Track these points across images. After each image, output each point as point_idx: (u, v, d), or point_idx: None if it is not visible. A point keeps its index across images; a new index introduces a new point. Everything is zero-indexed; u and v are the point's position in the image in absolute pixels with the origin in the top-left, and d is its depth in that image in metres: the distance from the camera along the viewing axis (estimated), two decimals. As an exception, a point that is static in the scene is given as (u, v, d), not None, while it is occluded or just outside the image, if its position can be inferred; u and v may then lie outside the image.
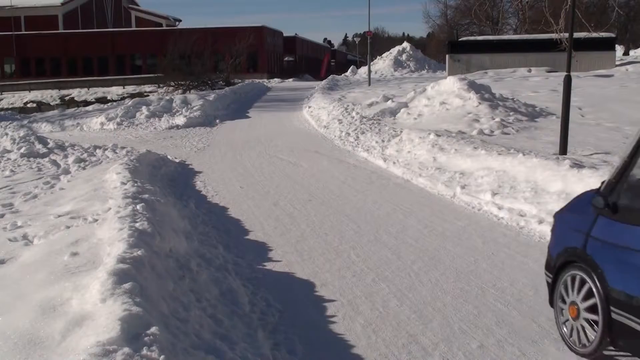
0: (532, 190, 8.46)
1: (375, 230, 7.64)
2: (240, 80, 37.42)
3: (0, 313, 4.23)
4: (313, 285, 5.79)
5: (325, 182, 10.92)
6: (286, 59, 61.20)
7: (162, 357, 3.43)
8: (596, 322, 3.97)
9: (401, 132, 14.39)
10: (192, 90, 33.30)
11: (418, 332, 4.69)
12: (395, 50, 53.64)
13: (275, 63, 55.86)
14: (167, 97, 26.85)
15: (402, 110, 18.51)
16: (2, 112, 32.74)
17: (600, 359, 4.09)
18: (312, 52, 70.16)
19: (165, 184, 10.99)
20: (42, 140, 15.73)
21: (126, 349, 3.37)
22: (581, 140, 12.32)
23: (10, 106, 36.73)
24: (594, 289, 4.00)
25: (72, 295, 4.31)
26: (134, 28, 62.12)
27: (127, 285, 4.21)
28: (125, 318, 3.68)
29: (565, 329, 4.34)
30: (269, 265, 6.41)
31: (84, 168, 12.40)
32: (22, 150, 14.37)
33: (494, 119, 15.16)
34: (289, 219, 8.33)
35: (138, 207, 6.89)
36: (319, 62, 65.06)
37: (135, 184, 8.65)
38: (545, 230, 7.20)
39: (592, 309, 4.02)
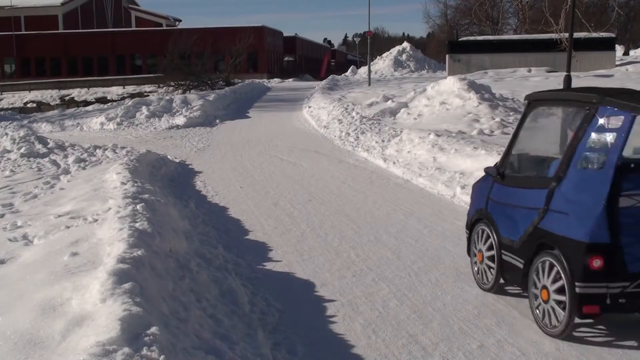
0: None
1: (375, 230, 7.64)
2: (240, 80, 37.42)
3: (0, 313, 4.23)
4: (313, 285, 5.79)
5: (325, 182, 10.92)
6: (286, 59, 61.21)
7: (162, 357, 3.42)
8: (494, 264, 5.39)
9: (401, 132, 14.39)
10: (192, 90, 33.30)
11: (418, 332, 4.69)
12: (395, 50, 53.65)
13: (275, 63, 55.87)
14: (167, 97, 26.85)
15: (402, 110, 18.52)
16: (2, 112, 32.74)
17: (496, 292, 5.43)
18: (312, 52, 70.17)
19: (165, 184, 11.00)
20: (42, 140, 15.72)
21: (126, 349, 3.37)
22: (581, 140, 12.32)
23: (10, 106, 36.72)
24: (492, 238, 5.42)
25: (72, 295, 4.31)
26: (134, 28, 62.13)
27: (127, 285, 4.21)
28: (125, 318, 3.68)
29: (476, 271, 5.74)
30: (269, 265, 6.41)
31: (84, 168, 12.39)
32: (22, 150, 14.36)
33: (494, 119, 15.17)
34: (289, 219, 8.33)
35: (138, 207, 6.89)
36: (319, 62, 65.05)
37: (135, 184, 8.65)
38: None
39: (491, 255, 5.42)
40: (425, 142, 12.57)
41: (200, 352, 3.94)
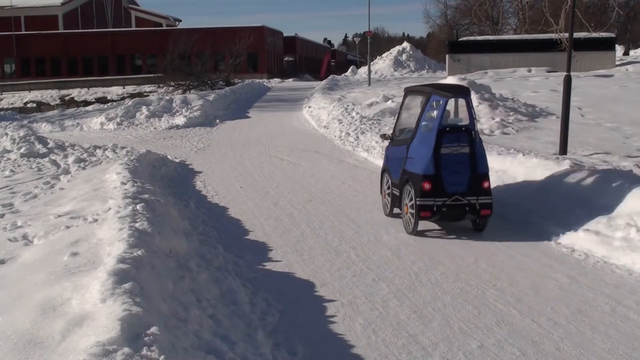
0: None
1: (375, 230, 7.64)
2: (240, 80, 37.40)
3: (0, 313, 4.23)
4: (313, 285, 5.79)
5: (325, 182, 10.92)
6: (286, 59, 61.19)
7: (162, 357, 3.42)
8: (395, 200, 7.98)
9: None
10: (192, 90, 33.28)
11: (418, 332, 4.69)
12: (395, 50, 53.61)
13: (275, 63, 55.86)
14: (167, 97, 26.82)
15: (402, 110, 18.49)
16: (2, 112, 32.71)
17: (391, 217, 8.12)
18: (312, 52, 70.17)
19: (165, 184, 10.99)
20: (42, 140, 15.72)
21: (126, 349, 3.37)
22: (581, 140, 12.32)
23: (10, 106, 36.69)
24: (389, 181, 8.22)
25: (72, 295, 4.31)
26: (134, 28, 62.12)
27: (127, 285, 4.21)
28: (125, 318, 3.68)
29: (384, 203, 8.47)
30: (269, 265, 6.41)
31: (84, 168, 12.39)
32: (22, 150, 14.36)
33: (494, 119, 15.16)
34: (289, 219, 8.33)
35: (138, 207, 6.89)
36: (319, 62, 65.04)
37: (135, 184, 8.65)
38: (545, 230, 7.20)
39: (389, 192, 8.19)
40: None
41: (200, 352, 3.94)
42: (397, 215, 8.34)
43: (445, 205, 7.09)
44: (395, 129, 8.54)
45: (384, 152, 8.89)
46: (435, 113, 7.38)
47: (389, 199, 8.20)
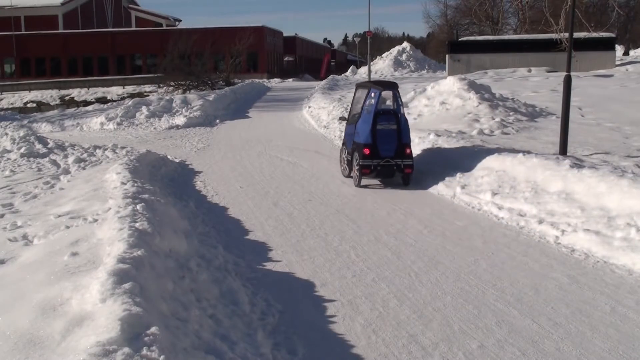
0: (532, 190, 8.45)
1: (375, 230, 7.64)
2: (240, 80, 37.40)
3: (0, 313, 4.23)
4: (313, 285, 5.79)
5: (325, 182, 10.92)
6: (286, 59, 61.19)
7: (162, 357, 3.42)
8: (348, 164, 10.84)
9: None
10: (192, 90, 33.28)
11: (418, 332, 4.69)
12: (395, 50, 53.61)
13: (275, 63, 55.86)
14: (167, 97, 26.82)
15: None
16: (2, 112, 32.70)
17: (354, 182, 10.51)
18: (312, 52, 70.17)
19: (165, 184, 10.99)
20: (42, 140, 15.72)
21: (126, 349, 3.37)
22: (581, 140, 12.32)
23: (10, 106, 36.68)
24: (346, 150, 11.11)
25: (72, 295, 4.31)
26: (134, 28, 62.13)
27: (127, 285, 4.21)
28: (125, 318, 3.68)
29: (343, 168, 11.33)
30: (269, 265, 6.41)
31: (84, 168, 12.39)
32: (22, 150, 14.36)
33: (494, 119, 15.16)
34: (289, 219, 8.33)
35: (138, 207, 6.89)
36: (319, 62, 65.05)
37: (135, 184, 8.65)
38: (545, 230, 7.21)
39: (347, 159, 10.94)
40: (425, 142, 12.57)
41: (200, 352, 3.94)
42: (398, 216, 8.34)
43: (379, 165, 10.10)
44: (349, 113, 11.64)
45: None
46: (373, 101, 10.39)
47: (347, 165, 11.02)
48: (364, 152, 10.03)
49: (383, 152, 10.07)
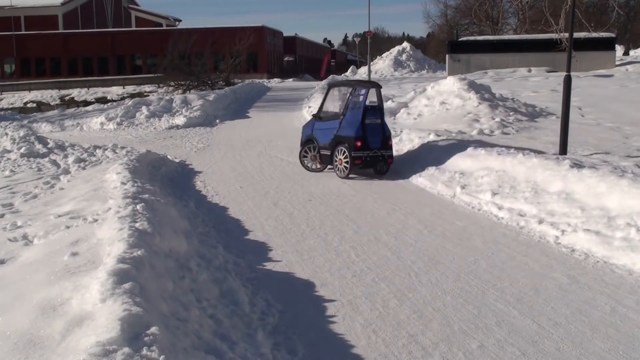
0: (532, 190, 8.45)
1: (375, 230, 7.64)
2: (240, 80, 37.40)
3: (0, 313, 4.23)
4: (313, 285, 5.79)
5: (325, 182, 10.92)
6: (286, 59, 61.19)
7: (162, 357, 3.42)
8: (323, 158, 11.74)
9: (401, 132, 14.39)
10: (192, 90, 33.28)
11: (418, 332, 4.69)
12: (395, 50, 53.63)
13: (275, 63, 55.86)
14: (167, 97, 26.83)
15: (402, 110, 18.51)
16: (2, 112, 32.70)
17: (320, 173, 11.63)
18: (312, 52, 70.16)
19: (165, 184, 11.00)
20: (42, 140, 15.72)
21: (126, 349, 3.37)
22: (581, 140, 12.32)
23: (10, 106, 36.68)
24: (317, 146, 11.78)
25: (72, 295, 4.31)
26: (134, 28, 62.12)
27: (127, 285, 4.21)
28: (125, 318, 3.68)
29: (309, 162, 12.07)
30: (269, 265, 6.41)
31: (84, 168, 12.40)
32: (22, 150, 14.36)
33: (494, 119, 15.16)
34: (289, 219, 8.33)
35: (138, 207, 6.89)
36: (319, 62, 65.03)
37: (135, 184, 8.65)
38: (545, 230, 7.21)
39: (315, 154, 11.90)
40: (425, 142, 12.57)
41: (200, 352, 3.94)
42: (398, 216, 8.34)
43: (369, 156, 10.98)
44: (320, 111, 12.12)
45: (303, 128, 12.53)
46: (360, 98, 11.24)
47: (319, 159, 11.80)
48: (357, 144, 10.84)
49: (372, 144, 10.97)
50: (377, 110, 11.16)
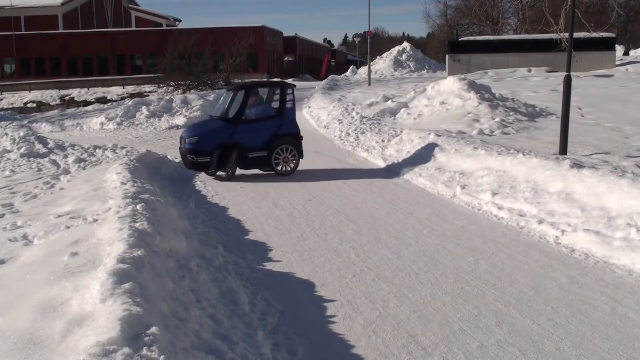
0: (532, 190, 8.46)
1: (375, 230, 7.64)
2: (240, 80, 37.37)
3: (0, 313, 4.23)
4: (313, 285, 5.79)
5: (325, 182, 10.92)
6: (286, 59, 61.17)
7: (162, 357, 3.42)
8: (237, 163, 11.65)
9: (401, 132, 14.39)
10: (192, 90, 33.28)
11: (418, 332, 4.69)
12: (395, 50, 53.59)
13: (275, 63, 55.84)
14: (167, 97, 26.83)
15: (402, 110, 18.52)
16: (2, 112, 32.70)
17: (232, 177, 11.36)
18: (312, 52, 70.13)
19: (165, 184, 11.00)
20: (42, 140, 15.71)
21: (126, 349, 3.37)
22: (581, 140, 12.32)
23: (10, 106, 36.66)
24: (239, 150, 11.45)
25: (72, 295, 4.31)
26: (134, 28, 62.10)
27: (127, 285, 4.21)
28: (125, 318, 3.68)
29: (230, 173, 11.45)
30: (269, 265, 6.41)
31: (84, 168, 12.39)
32: (22, 150, 14.36)
33: (494, 119, 15.16)
34: (289, 219, 8.33)
35: (138, 207, 6.88)
36: (319, 62, 65.03)
37: (135, 184, 8.65)
38: (545, 230, 7.21)
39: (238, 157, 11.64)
40: (425, 142, 12.57)
41: (200, 352, 3.94)
42: (398, 216, 8.34)
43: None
44: (243, 115, 11.50)
45: (203, 136, 11.35)
46: (289, 97, 11.74)
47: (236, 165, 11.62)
48: (301, 139, 12.26)
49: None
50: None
